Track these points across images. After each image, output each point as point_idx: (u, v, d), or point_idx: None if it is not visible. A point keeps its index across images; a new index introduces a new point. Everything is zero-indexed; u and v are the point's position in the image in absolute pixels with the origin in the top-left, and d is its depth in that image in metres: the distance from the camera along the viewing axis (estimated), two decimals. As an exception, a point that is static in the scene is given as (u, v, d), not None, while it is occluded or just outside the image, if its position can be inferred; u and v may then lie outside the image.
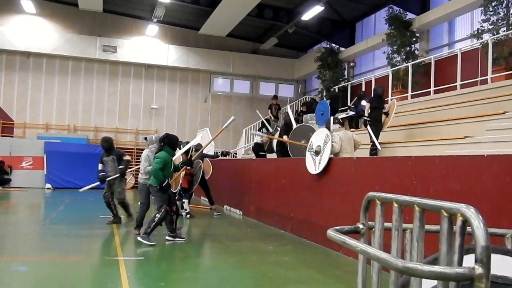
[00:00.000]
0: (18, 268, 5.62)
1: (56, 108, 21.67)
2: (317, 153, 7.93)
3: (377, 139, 9.94)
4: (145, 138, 9.06)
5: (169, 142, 7.70)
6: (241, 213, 12.02)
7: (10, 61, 21.04)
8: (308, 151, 8.23)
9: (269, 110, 18.17)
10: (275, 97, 18.25)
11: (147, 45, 22.33)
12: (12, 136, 20.45)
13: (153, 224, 7.41)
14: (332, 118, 8.62)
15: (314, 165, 8.00)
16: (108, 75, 22.39)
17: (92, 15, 21.27)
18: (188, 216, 10.98)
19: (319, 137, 8.19)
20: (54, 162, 18.53)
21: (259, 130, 16.29)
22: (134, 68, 22.68)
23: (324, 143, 7.85)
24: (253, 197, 11.32)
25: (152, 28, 21.70)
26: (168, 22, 22.04)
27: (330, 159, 7.68)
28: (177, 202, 11.97)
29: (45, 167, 18.56)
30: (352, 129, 12.52)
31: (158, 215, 7.43)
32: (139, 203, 8.68)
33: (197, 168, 11.38)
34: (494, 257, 1.47)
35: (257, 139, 14.52)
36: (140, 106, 22.90)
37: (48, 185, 18.25)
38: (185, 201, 11.14)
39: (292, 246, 7.79)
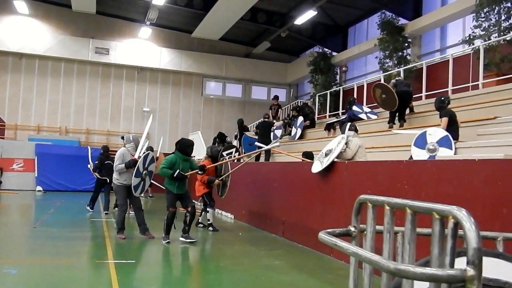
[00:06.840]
0: (9, 271, 5.56)
1: (48, 109, 21.57)
2: (326, 155, 7.54)
3: None
4: (122, 138, 8.80)
5: (180, 147, 7.98)
6: (233, 217, 11.98)
7: (2, 62, 20.94)
8: (318, 159, 7.78)
9: (270, 111, 18.23)
10: (276, 98, 18.28)
11: (140, 47, 22.31)
12: (3, 138, 20.28)
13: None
14: (348, 124, 8.16)
15: (320, 165, 7.53)
16: (101, 77, 22.33)
17: (85, 16, 21.21)
18: (210, 228, 9.59)
19: (333, 141, 7.83)
20: (45, 165, 18.35)
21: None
22: (126, 71, 22.63)
23: (337, 145, 7.54)
24: (245, 200, 11.29)
25: (145, 31, 21.68)
26: (161, 25, 22.04)
27: (333, 161, 7.32)
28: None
29: (36, 169, 18.39)
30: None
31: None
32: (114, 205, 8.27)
33: (225, 172, 10.07)
34: (486, 260, 1.47)
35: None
36: (132, 108, 22.84)
37: (39, 188, 18.08)
38: (210, 211, 9.75)
39: (284, 250, 7.78)
